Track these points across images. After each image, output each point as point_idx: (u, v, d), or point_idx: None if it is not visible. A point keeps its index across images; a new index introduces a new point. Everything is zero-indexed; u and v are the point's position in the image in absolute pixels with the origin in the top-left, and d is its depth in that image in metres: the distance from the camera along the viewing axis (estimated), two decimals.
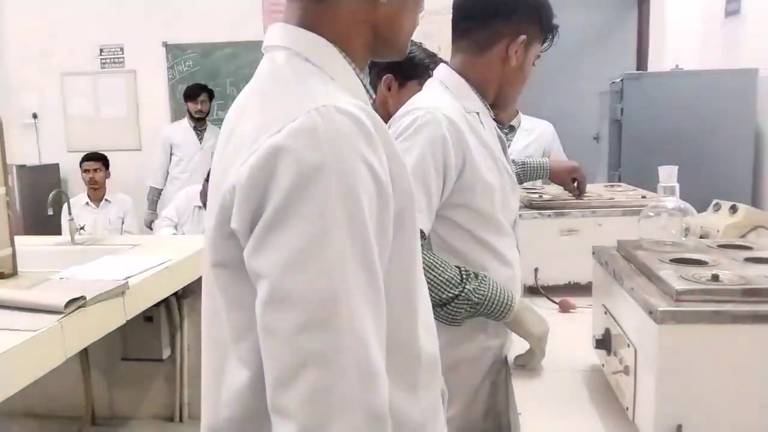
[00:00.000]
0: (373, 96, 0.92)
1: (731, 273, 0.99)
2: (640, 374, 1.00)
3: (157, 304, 2.72)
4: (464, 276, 1.30)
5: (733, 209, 2.11)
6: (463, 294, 1.28)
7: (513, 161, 1.95)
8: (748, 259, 1.09)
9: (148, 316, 2.88)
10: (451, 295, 1.28)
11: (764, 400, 0.91)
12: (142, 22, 5.33)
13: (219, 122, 5.00)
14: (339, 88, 0.79)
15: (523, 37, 1.37)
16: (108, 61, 5.53)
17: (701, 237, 1.98)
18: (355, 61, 0.85)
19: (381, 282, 0.73)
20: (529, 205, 1.92)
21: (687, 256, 1.11)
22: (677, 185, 1.17)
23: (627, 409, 1.06)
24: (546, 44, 1.43)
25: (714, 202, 2.22)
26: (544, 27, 1.40)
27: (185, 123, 4.91)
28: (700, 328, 0.90)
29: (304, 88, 0.77)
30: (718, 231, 2.04)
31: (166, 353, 3.01)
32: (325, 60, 0.82)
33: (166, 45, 5.40)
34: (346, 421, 0.68)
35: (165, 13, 5.29)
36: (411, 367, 0.84)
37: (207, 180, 4.06)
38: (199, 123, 4.84)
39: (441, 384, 0.96)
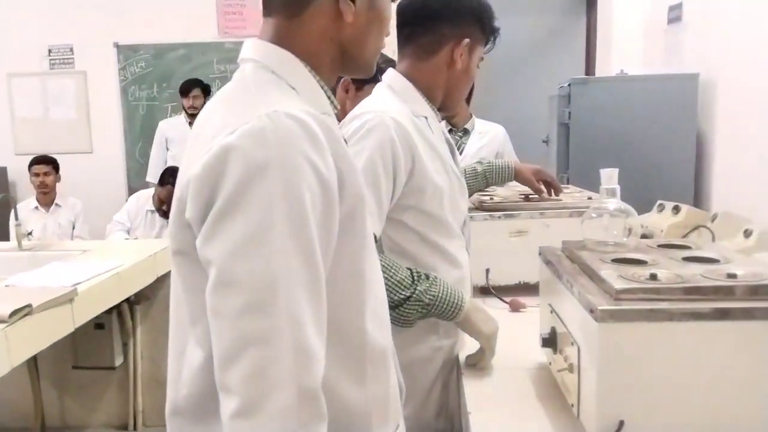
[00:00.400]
0: (338, 106, 0.97)
1: (669, 272, 1.03)
2: (583, 372, 1.03)
3: (109, 311, 2.67)
4: (415, 277, 1.32)
5: (676, 209, 2.18)
6: (414, 295, 1.30)
7: (480, 162, 1.99)
8: (686, 258, 1.13)
9: (99, 323, 2.83)
10: (403, 296, 1.30)
11: (701, 395, 0.94)
12: (93, 23, 5.22)
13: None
14: (298, 98, 0.86)
15: (467, 40, 1.39)
16: (57, 61, 5.40)
17: (645, 237, 2.05)
18: (321, 74, 0.93)
19: (321, 272, 0.79)
20: (480, 207, 1.95)
21: (628, 256, 1.14)
22: (618, 187, 1.20)
23: (572, 405, 1.09)
24: (488, 47, 1.46)
25: (658, 202, 2.30)
26: (486, 30, 1.43)
27: (181, 119, 4.84)
28: (639, 326, 0.93)
29: (261, 96, 0.85)
30: (661, 231, 2.11)
31: (118, 361, 2.96)
32: (290, 72, 0.90)
33: (117, 46, 5.30)
34: (281, 397, 0.74)
35: (116, 13, 5.19)
36: (357, 357, 0.90)
37: (159, 184, 4.00)
38: (195, 119, 4.75)
39: (398, 379, 1.01)
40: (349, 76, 1.02)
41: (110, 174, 5.34)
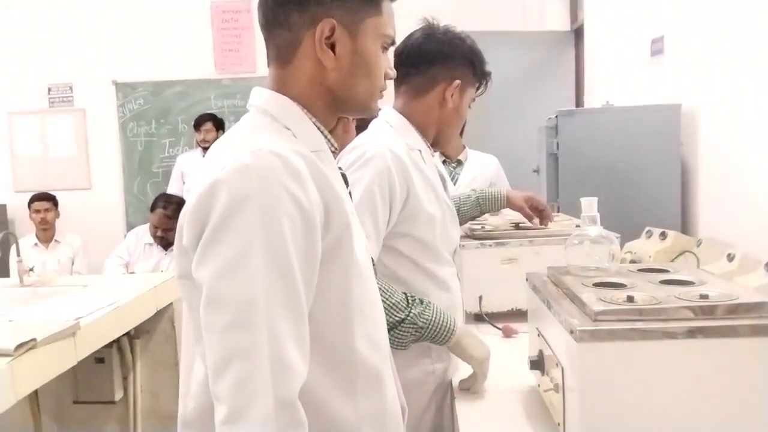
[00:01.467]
0: (335, 145, 1.04)
1: (645, 294, 1.08)
2: (567, 391, 1.08)
3: (109, 345, 2.70)
4: (410, 301, 1.38)
5: (663, 236, 2.25)
6: (409, 318, 1.36)
7: (473, 190, 2.05)
8: (664, 281, 1.19)
9: (99, 358, 2.85)
10: (397, 318, 1.35)
11: (677, 409, 0.99)
12: (92, 61, 5.33)
13: None
14: (292, 137, 0.96)
15: (457, 81, 1.50)
16: (56, 99, 5.50)
17: (634, 262, 2.11)
18: (318, 115, 1.02)
19: (301, 292, 0.87)
20: (472, 236, 2.02)
21: (608, 280, 1.20)
22: (598, 215, 1.26)
23: (559, 425, 1.13)
24: (480, 90, 1.56)
25: (646, 229, 2.36)
26: (477, 73, 1.53)
27: (197, 152, 4.96)
28: (617, 345, 0.99)
29: (253, 137, 0.94)
30: (649, 256, 2.17)
31: (118, 395, 2.97)
32: (285, 115, 0.99)
33: (116, 83, 5.41)
34: (261, 406, 0.82)
35: (115, 52, 5.31)
36: (347, 373, 0.96)
37: (151, 211, 4.07)
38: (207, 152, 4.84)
39: (399, 400, 1.08)
40: (348, 116, 1.10)
41: (109, 210, 5.40)
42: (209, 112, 5.09)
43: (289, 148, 0.91)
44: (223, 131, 4.84)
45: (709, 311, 1.02)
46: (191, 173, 4.86)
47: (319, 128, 1.02)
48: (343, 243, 0.94)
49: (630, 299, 1.05)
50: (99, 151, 5.48)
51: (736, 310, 1.02)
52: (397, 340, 1.37)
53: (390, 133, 1.49)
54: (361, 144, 1.44)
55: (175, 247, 0.96)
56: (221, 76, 5.39)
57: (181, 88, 5.41)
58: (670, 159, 2.57)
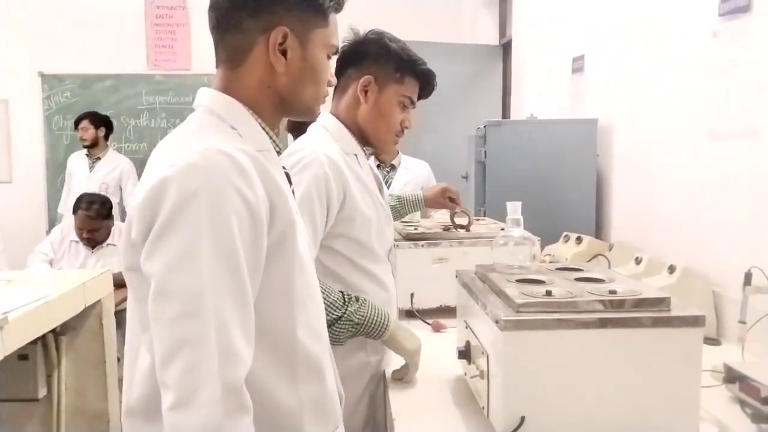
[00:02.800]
0: (279, 145, 1.11)
1: (562, 289, 1.21)
2: (491, 377, 1.19)
3: (33, 342, 2.64)
4: (346, 299, 1.45)
5: (579, 240, 2.43)
6: (345, 315, 1.44)
7: (390, 195, 2.16)
8: (578, 279, 1.33)
9: (22, 354, 2.78)
10: (335, 316, 1.43)
11: (588, 391, 1.12)
12: (16, 51, 5.15)
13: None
14: (238, 137, 1.00)
15: (367, 77, 1.55)
16: None
17: (552, 263, 2.27)
18: (264, 117, 1.07)
19: (247, 283, 0.92)
20: (406, 237, 2.12)
21: (530, 277, 1.32)
22: (521, 218, 1.39)
23: (483, 408, 1.25)
24: (414, 83, 1.59)
25: (564, 234, 2.54)
26: (400, 67, 1.56)
27: (83, 152, 4.83)
28: (536, 334, 1.11)
29: (200, 136, 0.98)
30: (566, 258, 2.34)
31: (42, 393, 2.89)
32: (232, 116, 1.04)
33: (42, 75, 5.24)
34: (209, 391, 0.86)
35: (42, 42, 5.15)
36: (289, 361, 1.02)
37: (73, 212, 3.98)
38: (92, 150, 4.73)
39: (336, 388, 1.14)
40: (293, 119, 1.16)
41: (31, 204, 5.23)
42: (139, 107, 5.02)
43: (235, 147, 0.94)
44: (105, 128, 4.75)
45: (617, 305, 1.15)
46: (73, 172, 4.82)
47: (264, 129, 1.07)
48: (287, 238, 0.99)
49: (548, 293, 1.17)
50: (21, 144, 5.30)
51: (640, 304, 1.16)
52: (334, 336, 1.43)
53: (326, 138, 1.54)
54: (298, 150, 1.49)
55: (123, 240, 0.99)
56: (154, 71, 5.31)
57: (111, 83, 5.30)
58: (587, 169, 2.77)
